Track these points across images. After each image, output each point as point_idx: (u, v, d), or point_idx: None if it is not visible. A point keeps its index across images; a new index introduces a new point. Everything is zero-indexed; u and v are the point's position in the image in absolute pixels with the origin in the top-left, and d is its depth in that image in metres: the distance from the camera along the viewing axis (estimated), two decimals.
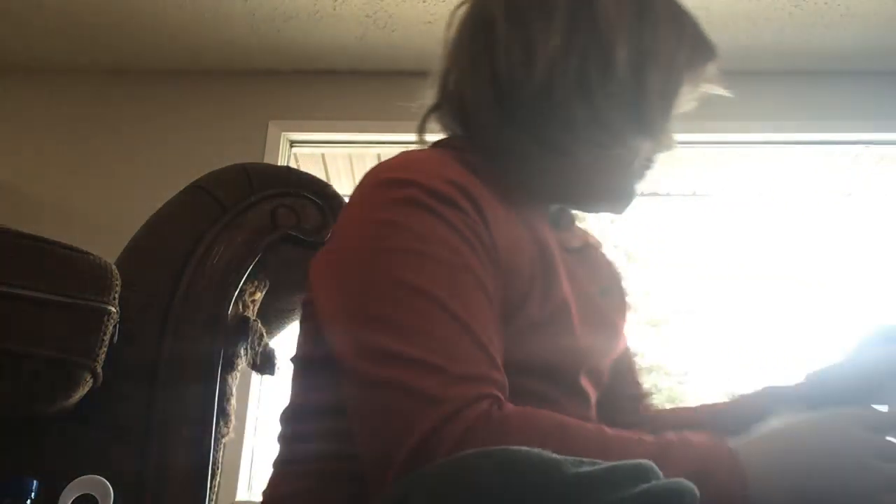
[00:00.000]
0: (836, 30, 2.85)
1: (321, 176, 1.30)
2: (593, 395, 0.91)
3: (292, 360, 0.91)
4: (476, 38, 0.89)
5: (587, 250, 1.01)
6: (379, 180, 0.81)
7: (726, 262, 3.33)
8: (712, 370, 3.17)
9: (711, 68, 0.93)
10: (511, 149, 0.88)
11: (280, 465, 0.86)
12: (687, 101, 0.93)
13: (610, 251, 1.06)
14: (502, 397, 0.70)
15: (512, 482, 0.51)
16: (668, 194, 3.37)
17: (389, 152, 3.34)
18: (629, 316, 1.03)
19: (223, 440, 1.13)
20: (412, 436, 0.66)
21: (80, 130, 3.17)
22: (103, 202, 2.99)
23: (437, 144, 0.92)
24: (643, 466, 0.53)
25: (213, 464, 1.08)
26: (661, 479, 0.53)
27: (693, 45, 0.90)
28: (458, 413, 0.66)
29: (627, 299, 1.03)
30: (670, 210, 3.39)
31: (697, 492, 0.52)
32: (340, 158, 3.45)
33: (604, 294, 0.98)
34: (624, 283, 1.04)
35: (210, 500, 1.07)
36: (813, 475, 0.68)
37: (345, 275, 0.78)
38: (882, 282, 3.08)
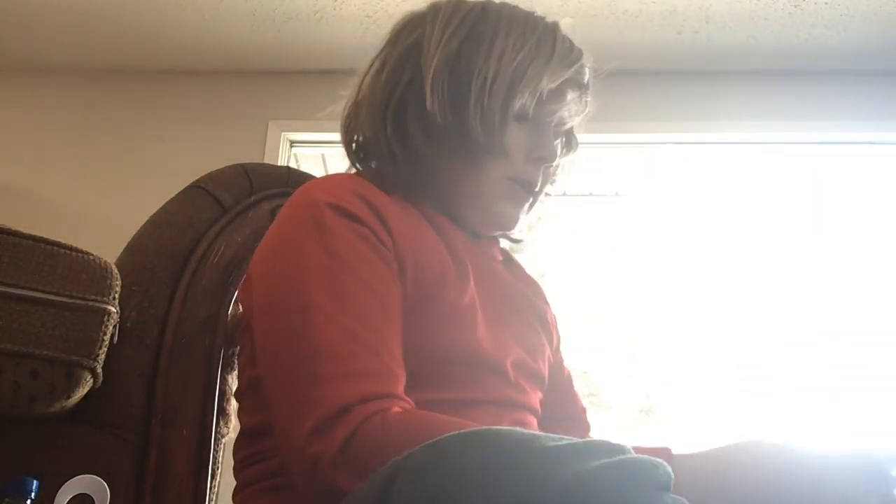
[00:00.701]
0: (836, 30, 2.85)
1: (321, 176, 1.31)
2: (528, 387, 0.94)
3: (236, 393, 0.96)
4: (348, 101, 1.03)
5: (509, 264, 1.06)
6: (293, 200, 0.89)
7: (722, 264, 3.33)
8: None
9: (570, 77, 0.96)
10: (380, 175, 0.96)
11: (243, 487, 0.89)
12: (558, 114, 0.96)
13: (543, 281, 1.12)
14: (388, 395, 0.74)
15: (491, 455, 0.53)
16: (667, 195, 3.37)
17: None
18: (557, 329, 1.08)
19: (223, 440, 1.13)
20: (301, 440, 0.71)
21: (80, 130, 3.17)
22: (103, 202, 2.99)
23: (358, 171, 1.02)
24: (618, 444, 0.55)
25: (213, 464, 1.08)
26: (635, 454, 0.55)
27: (531, 62, 0.93)
28: (340, 416, 0.70)
29: (551, 311, 1.07)
30: (669, 210, 3.39)
31: (670, 470, 0.53)
32: (340, 158, 3.45)
33: (526, 298, 1.03)
34: (545, 296, 1.09)
35: (210, 500, 1.07)
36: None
37: (258, 297, 0.85)
38: (869, 282, 3.08)
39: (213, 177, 1.20)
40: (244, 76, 3.20)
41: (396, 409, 0.72)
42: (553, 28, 0.97)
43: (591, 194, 3.38)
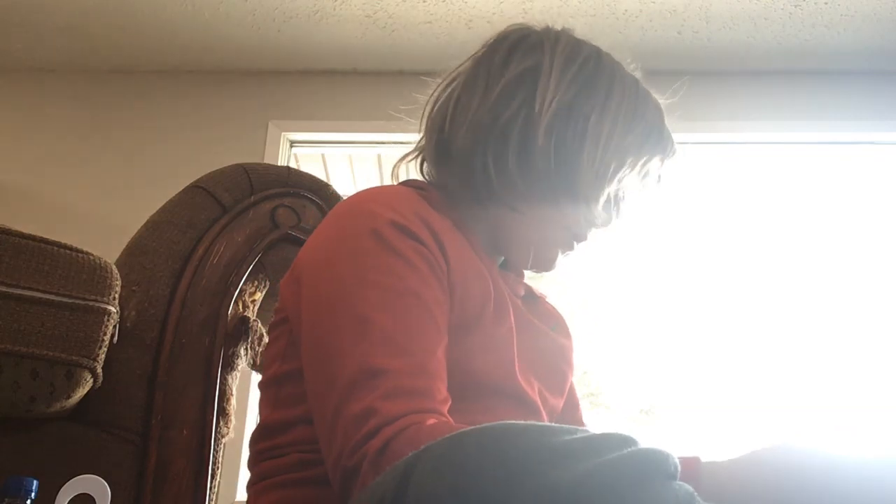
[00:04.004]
0: (836, 30, 2.85)
1: (321, 176, 1.31)
2: (545, 417, 0.95)
3: (261, 384, 0.94)
4: (441, 95, 0.98)
5: (531, 299, 1.05)
6: (351, 209, 0.87)
7: (722, 263, 3.33)
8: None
9: (663, 164, 0.98)
10: (453, 195, 0.95)
11: (257, 481, 0.89)
12: (632, 188, 0.97)
13: (554, 301, 1.12)
14: (432, 410, 0.74)
15: (509, 447, 0.54)
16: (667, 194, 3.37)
17: (389, 152, 3.34)
18: (575, 357, 1.08)
19: (223, 440, 1.13)
20: (341, 455, 0.72)
21: (80, 130, 3.17)
22: (103, 202, 2.99)
23: (405, 183, 0.99)
24: (629, 436, 0.56)
25: (213, 464, 1.08)
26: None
27: (644, 138, 0.94)
28: (382, 428, 0.71)
29: (571, 344, 1.07)
30: (669, 210, 3.39)
31: (677, 460, 0.54)
32: (340, 158, 3.45)
33: (554, 330, 1.03)
34: (568, 327, 1.09)
35: (210, 500, 1.07)
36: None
37: (309, 302, 0.84)
38: (878, 283, 3.08)
39: (213, 177, 1.20)
40: (244, 76, 3.20)
41: (432, 420, 0.72)
42: (661, 113, 0.98)
43: None
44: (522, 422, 0.58)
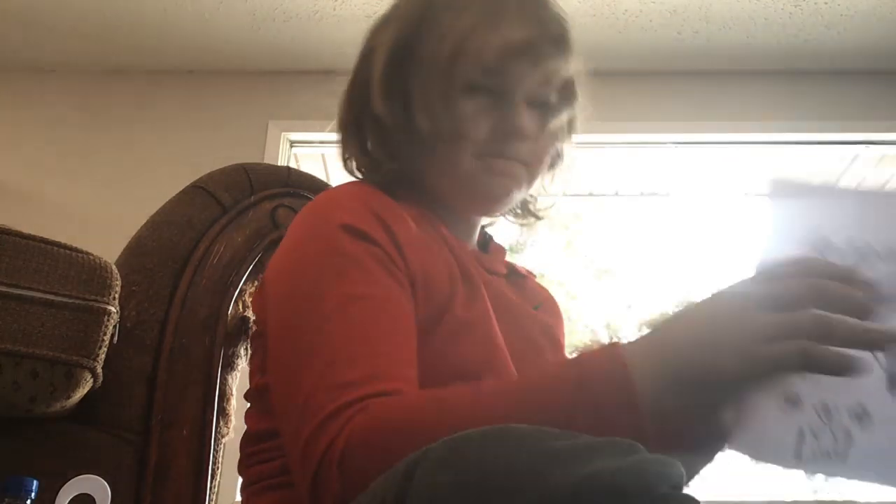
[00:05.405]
0: (836, 30, 2.85)
1: (321, 176, 1.31)
2: None
3: (246, 395, 0.96)
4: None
5: (514, 277, 1.04)
6: (309, 218, 0.88)
7: (722, 263, 3.33)
8: None
9: (537, 40, 0.87)
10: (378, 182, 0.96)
11: (250, 483, 0.89)
12: (509, 85, 0.88)
13: (543, 281, 1.11)
14: (387, 391, 0.73)
15: (511, 450, 0.54)
16: (665, 195, 3.37)
17: None
18: (562, 336, 1.05)
19: (223, 440, 1.13)
20: (306, 477, 0.71)
21: (80, 130, 3.17)
22: (103, 202, 2.99)
23: (367, 177, 1.01)
24: (632, 443, 0.55)
25: (213, 464, 1.08)
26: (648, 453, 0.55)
27: (477, 27, 0.87)
28: (337, 415, 0.70)
29: (561, 324, 1.06)
30: (669, 210, 3.39)
31: (683, 469, 0.53)
32: (340, 159, 3.44)
33: (537, 309, 1.02)
34: (557, 306, 1.07)
35: (210, 500, 1.07)
36: (692, 354, 0.66)
37: (272, 316, 0.84)
38: None
39: (213, 177, 1.20)
40: (244, 76, 3.20)
41: (379, 401, 0.70)
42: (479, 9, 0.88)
43: (591, 194, 3.39)
44: (525, 425, 0.57)
